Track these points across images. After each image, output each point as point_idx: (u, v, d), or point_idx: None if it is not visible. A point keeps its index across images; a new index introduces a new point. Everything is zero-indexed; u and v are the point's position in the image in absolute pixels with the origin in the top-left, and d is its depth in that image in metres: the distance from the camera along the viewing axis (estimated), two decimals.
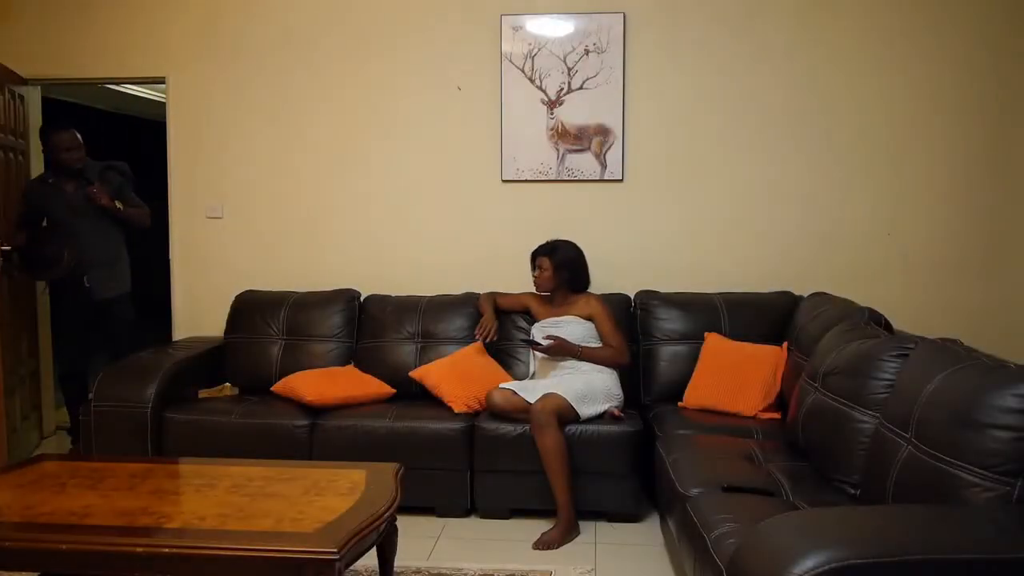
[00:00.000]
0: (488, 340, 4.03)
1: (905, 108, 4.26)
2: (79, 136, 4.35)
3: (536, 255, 4.01)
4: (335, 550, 2.13)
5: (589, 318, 3.89)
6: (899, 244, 4.29)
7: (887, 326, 3.23)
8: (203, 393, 4.19)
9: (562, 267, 3.94)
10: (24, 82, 4.66)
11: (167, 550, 2.21)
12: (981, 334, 3.63)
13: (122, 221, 4.45)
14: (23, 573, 2.74)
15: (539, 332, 3.92)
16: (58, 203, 4.36)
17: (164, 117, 4.74)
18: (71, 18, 4.67)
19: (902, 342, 2.65)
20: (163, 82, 4.69)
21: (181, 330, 4.73)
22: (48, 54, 4.69)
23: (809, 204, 4.34)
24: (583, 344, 3.81)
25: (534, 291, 4.10)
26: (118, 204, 4.39)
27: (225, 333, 4.38)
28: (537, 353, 3.91)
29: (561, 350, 3.77)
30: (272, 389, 3.99)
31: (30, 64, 4.67)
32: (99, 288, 4.38)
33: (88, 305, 4.39)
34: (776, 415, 3.58)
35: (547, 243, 4.03)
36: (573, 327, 3.86)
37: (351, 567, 2.57)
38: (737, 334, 3.93)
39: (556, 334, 3.82)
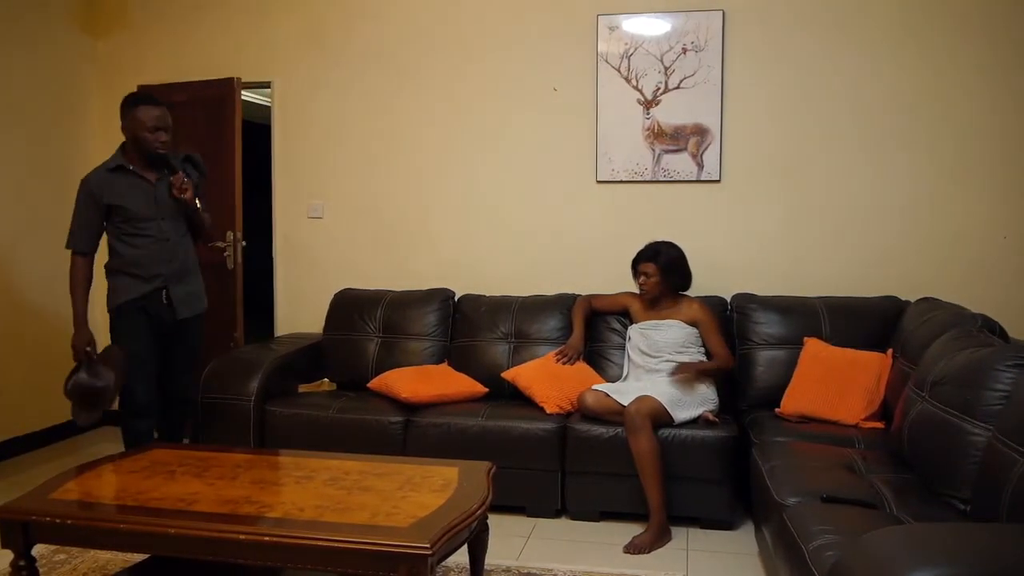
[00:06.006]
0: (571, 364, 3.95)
1: (1021, 106, 4.03)
2: (170, 117, 3.54)
3: (638, 261, 3.87)
4: (428, 545, 2.16)
5: (693, 323, 3.83)
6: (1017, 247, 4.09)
7: (1002, 334, 3.07)
8: (303, 388, 4.32)
9: (669, 271, 3.83)
10: None
11: (268, 538, 2.29)
12: None
13: (196, 225, 3.68)
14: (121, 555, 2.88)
15: (637, 334, 3.89)
16: (138, 196, 3.49)
17: (265, 119, 4.90)
18: (179, 25, 4.91)
19: (1019, 351, 2.52)
20: (268, 86, 4.86)
21: (282, 326, 4.89)
22: (156, 60, 4.93)
23: (916, 205, 4.16)
24: (682, 349, 3.77)
25: (633, 291, 4.05)
26: (198, 203, 3.60)
27: (324, 330, 4.49)
28: (632, 356, 3.88)
29: (688, 380, 3.61)
30: (368, 385, 4.08)
31: (140, 70, 4.92)
32: (181, 306, 3.60)
33: (163, 326, 3.60)
34: (879, 424, 3.45)
35: (648, 247, 3.88)
36: (674, 331, 3.80)
37: (443, 563, 2.61)
38: (839, 339, 3.80)
39: (654, 337, 3.80)
